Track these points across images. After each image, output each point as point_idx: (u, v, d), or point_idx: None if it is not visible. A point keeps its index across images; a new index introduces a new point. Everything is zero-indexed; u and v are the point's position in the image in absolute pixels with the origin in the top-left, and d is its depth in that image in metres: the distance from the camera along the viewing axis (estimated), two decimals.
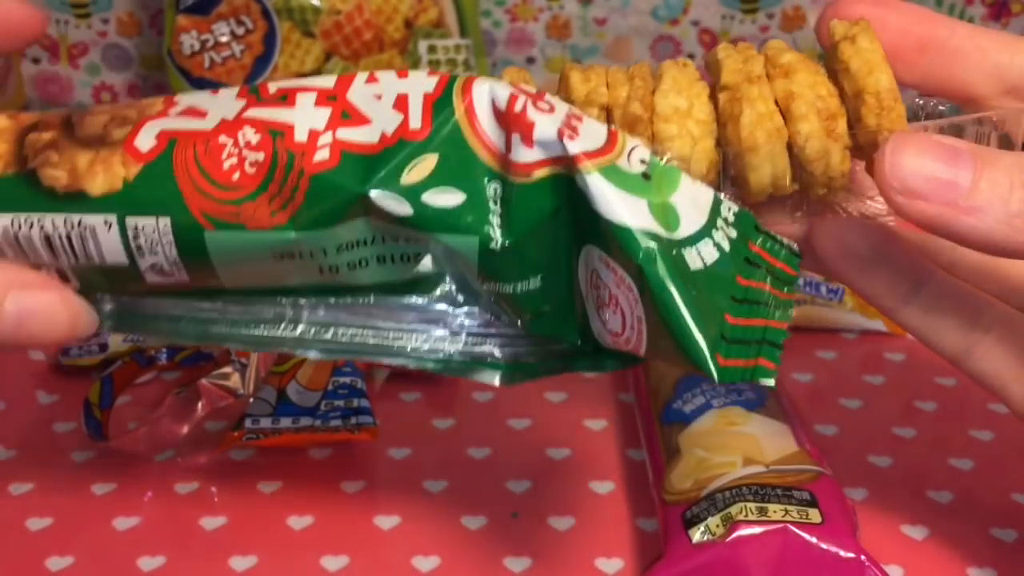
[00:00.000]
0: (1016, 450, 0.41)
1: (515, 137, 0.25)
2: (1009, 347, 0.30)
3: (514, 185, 0.25)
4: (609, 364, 0.28)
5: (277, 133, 0.25)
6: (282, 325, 0.28)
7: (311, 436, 0.41)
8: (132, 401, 0.45)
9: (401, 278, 0.28)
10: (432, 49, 0.66)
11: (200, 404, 0.41)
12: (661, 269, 0.24)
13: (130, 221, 0.25)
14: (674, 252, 0.24)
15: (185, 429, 0.42)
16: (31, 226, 0.25)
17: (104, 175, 0.25)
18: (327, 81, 0.26)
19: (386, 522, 0.38)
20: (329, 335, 0.28)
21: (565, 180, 0.25)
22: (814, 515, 0.33)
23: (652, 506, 0.37)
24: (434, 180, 0.25)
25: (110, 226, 0.25)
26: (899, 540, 0.37)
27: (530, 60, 0.77)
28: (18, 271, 0.26)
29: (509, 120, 0.25)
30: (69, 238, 0.26)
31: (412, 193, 0.25)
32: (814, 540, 0.32)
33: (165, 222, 0.25)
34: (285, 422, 0.41)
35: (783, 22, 0.76)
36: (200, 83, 0.64)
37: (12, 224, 0.25)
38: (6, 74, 0.58)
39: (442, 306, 0.28)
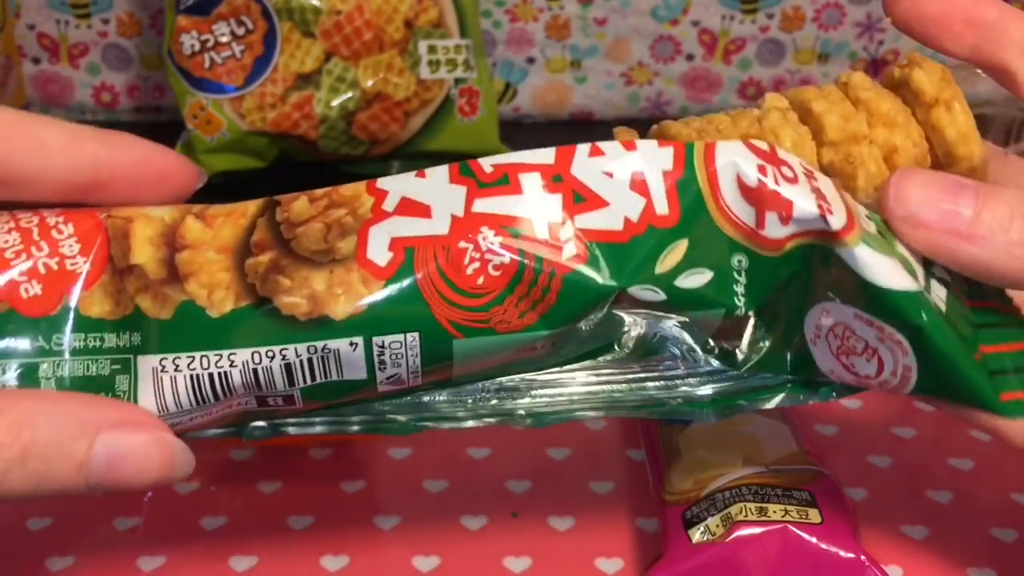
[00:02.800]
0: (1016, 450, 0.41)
1: (771, 215, 0.25)
2: None
3: (762, 258, 0.25)
4: (825, 391, 0.28)
5: (517, 232, 0.24)
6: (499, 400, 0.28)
7: (311, 436, 0.41)
8: None
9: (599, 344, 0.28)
10: (432, 49, 0.66)
11: None
12: (939, 326, 0.25)
13: (376, 340, 0.24)
14: (932, 302, 0.25)
15: None
16: (272, 358, 0.24)
17: (346, 297, 0.24)
18: (546, 156, 0.25)
19: (386, 522, 0.38)
20: (546, 403, 0.28)
21: (812, 248, 0.25)
22: (814, 515, 0.33)
23: (652, 506, 0.37)
24: (685, 264, 0.25)
25: (355, 347, 0.24)
26: (899, 540, 0.37)
27: (530, 60, 0.77)
28: (110, 405, 0.24)
29: (763, 198, 0.25)
30: (310, 362, 0.24)
31: (666, 280, 0.25)
32: (814, 540, 0.32)
33: (413, 337, 0.24)
34: None
35: (783, 22, 0.76)
36: (200, 83, 0.64)
37: (252, 358, 0.24)
38: (6, 74, 0.58)
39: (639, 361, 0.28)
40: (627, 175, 0.25)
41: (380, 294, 0.24)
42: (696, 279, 0.25)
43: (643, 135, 0.28)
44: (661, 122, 0.28)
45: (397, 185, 0.25)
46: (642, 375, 0.28)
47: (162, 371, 0.24)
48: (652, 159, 0.25)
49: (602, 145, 0.25)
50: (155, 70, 0.75)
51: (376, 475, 0.41)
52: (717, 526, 0.33)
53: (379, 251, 0.24)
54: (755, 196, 0.25)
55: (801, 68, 0.78)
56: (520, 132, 0.76)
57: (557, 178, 0.25)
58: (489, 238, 0.24)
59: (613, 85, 0.78)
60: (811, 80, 0.79)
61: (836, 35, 0.77)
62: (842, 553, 0.32)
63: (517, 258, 0.24)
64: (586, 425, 0.43)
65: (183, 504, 0.39)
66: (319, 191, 0.25)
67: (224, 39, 0.64)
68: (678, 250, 0.25)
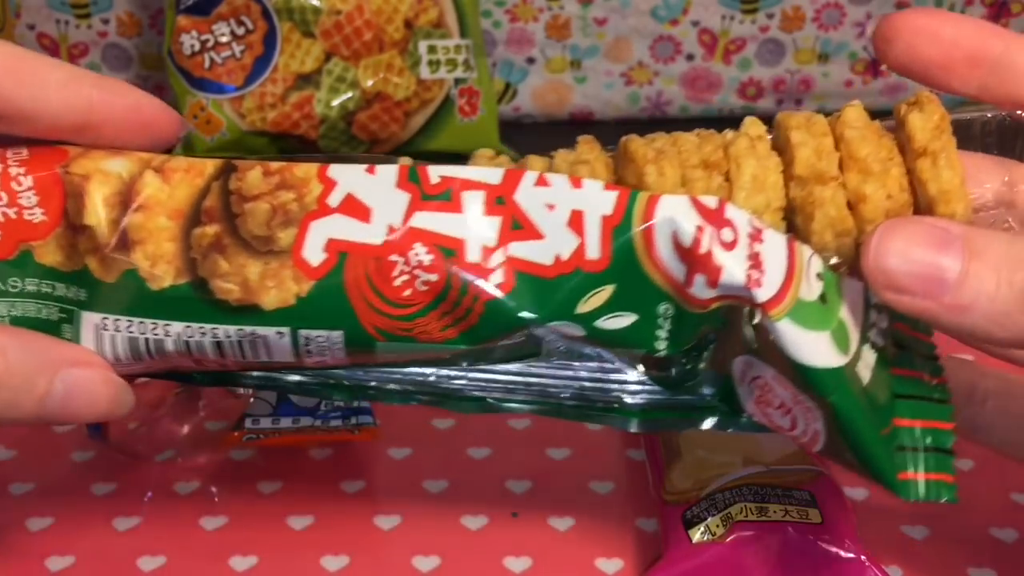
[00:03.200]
0: None
1: (699, 277, 0.24)
2: (1010, 418, 0.30)
3: (687, 312, 0.25)
4: (749, 423, 0.28)
5: (449, 252, 0.25)
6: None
7: (311, 436, 0.41)
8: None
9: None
10: (432, 49, 0.66)
11: (200, 404, 0.41)
12: (849, 404, 0.24)
13: (303, 333, 0.25)
14: (852, 375, 0.25)
15: (185, 429, 0.42)
16: (204, 334, 0.26)
17: (277, 291, 0.25)
18: (494, 175, 0.25)
19: (386, 522, 0.38)
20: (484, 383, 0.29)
21: (739, 307, 0.25)
22: (814, 515, 0.33)
23: (652, 506, 0.37)
24: (609, 308, 0.25)
25: (282, 336, 0.26)
26: (899, 540, 0.37)
27: (530, 60, 0.77)
28: (67, 346, 0.26)
29: (694, 259, 0.24)
30: (240, 343, 0.26)
31: (586, 320, 0.25)
32: (814, 540, 0.32)
33: (338, 335, 0.25)
34: (285, 422, 0.41)
35: (783, 22, 0.76)
36: (200, 83, 0.64)
37: (184, 331, 0.26)
38: None
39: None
40: (567, 212, 0.24)
41: (309, 293, 0.25)
42: (618, 321, 0.25)
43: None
44: (627, 136, 0.27)
45: (346, 177, 0.25)
46: (577, 372, 0.28)
47: (103, 328, 0.26)
48: (595, 201, 0.24)
49: (549, 176, 0.25)
50: (155, 70, 0.75)
51: (376, 475, 0.41)
52: (717, 526, 0.33)
53: (314, 251, 0.25)
54: (687, 256, 0.24)
55: (801, 68, 0.78)
56: (520, 132, 0.76)
57: (500, 200, 0.25)
58: (420, 255, 0.25)
59: (613, 85, 0.78)
60: (811, 80, 0.79)
61: (836, 35, 0.77)
62: (842, 553, 0.32)
63: (444, 279, 0.25)
64: (586, 425, 0.43)
65: (183, 504, 0.39)
66: (275, 164, 0.26)
67: (224, 39, 0.64)
68: (603, 294, 0.25)
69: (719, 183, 0.26)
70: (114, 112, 0.26)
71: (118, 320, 0.26)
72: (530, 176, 0.25)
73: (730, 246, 0.24)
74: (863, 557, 0.32)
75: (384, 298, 0.25)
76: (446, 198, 0.25)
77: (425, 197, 0.25)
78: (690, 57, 0.77)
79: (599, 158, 0.26)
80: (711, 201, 0.24)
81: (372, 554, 0.37)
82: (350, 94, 0.64)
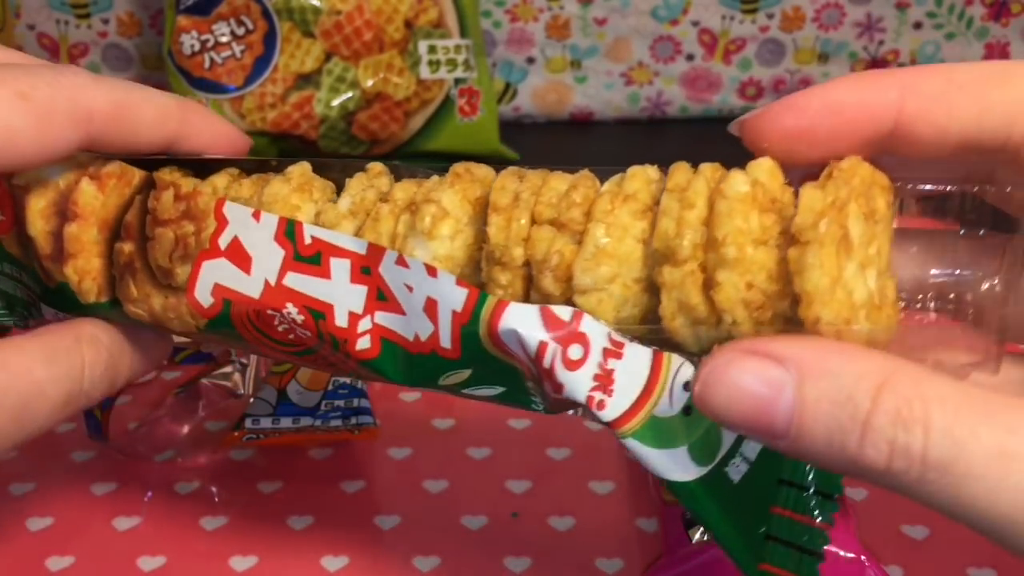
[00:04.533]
0: None
1: (547, 383, 0.23)
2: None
3: (548, 393, 0.24)
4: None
5: (318, 315, 0.25)
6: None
7: (311, 436, 0.41)
8: (132, 401, 0.45)
9: None
10: (432, 49, 0.66)
11: (200, 404, 0.41)
12: (705, 507, 0.24)
13: (205, 345, 0.26)
14: (717, 478, 0.24)
15: (185, 429, 0.42)
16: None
17: (178, 322, 0.27)
18: (359, 245, 0.25)
19: (386, 522, 0.38)
20: None
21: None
22: None
23: (652, 506, 0.37)
24: (471, 384, 0.25)
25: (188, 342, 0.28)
26: (899, 540, 0.37)
27: (530, 60, 0.77)
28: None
29: (541, 369, 0.23)
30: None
31: (453, 389, 0.26)
32: None
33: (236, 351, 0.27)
34: (285, 422, 0.41)
35: (783, 22, 0.76)
36: (200, 83, 0.64)
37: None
38: None
39: None
40: (423, 298, 0.24)
41: (206, 327, 0.27)
42: (488, 391, 0.25)
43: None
44: (505, 171, 0.26)
45: (237, 218, 0.26)
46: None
47: (55, 316, 0.29)
48: (447, 294, 0.24)
49: (409, 260, 0.24)
50: (155, 70, 0.75)
51: (376, 475, 0.41)
52: None
53: (204, 293, 0.26)
54: (535, 363, 0.23)
55: (801, 68, 0.78)
56: (520, 132, 0.76)
57: (366, 270, 0.25)
58: (293, 314, 0.25)
59: (613, 85, 0.78)
60: (811, 80, 0.79)
61: (836, 35, 0.77)
62: (842, 553, 0.32)
63: (317, 336, 0.25)
64: (586, 425, 0.43)
65: (183, 504, 0.39)
66: (186, 187, 0.27)
67: (224, 39, 0.64)
68: (462, 375, 0.25)
69: (561, 246, 0.24)
70: (195, 143, 0.29)
71: (59, 314, 0.29)
72: (391, 255, 0.24)
73: (576, 364, 0.23)
74: (863, 557, 0.32)
75: (271, 339, 0.26)
76: (316, 262, 0.25)
77: (297, 257, 0.25)
78: (690, 57, 0.77)
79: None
80: (564, 313, 0.23)
81: (372, 554, 0.37)
82: (350, 94, 0.64)
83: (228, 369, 0.42)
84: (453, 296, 0.24)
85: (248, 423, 0.41)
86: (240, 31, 0.64)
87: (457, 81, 0.67)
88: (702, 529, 0.33)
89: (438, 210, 0.25)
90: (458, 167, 0.26)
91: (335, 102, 0.64)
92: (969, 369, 0.24)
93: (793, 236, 0.21)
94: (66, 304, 0.28)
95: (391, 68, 0.65)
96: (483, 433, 0.43)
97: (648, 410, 0.23)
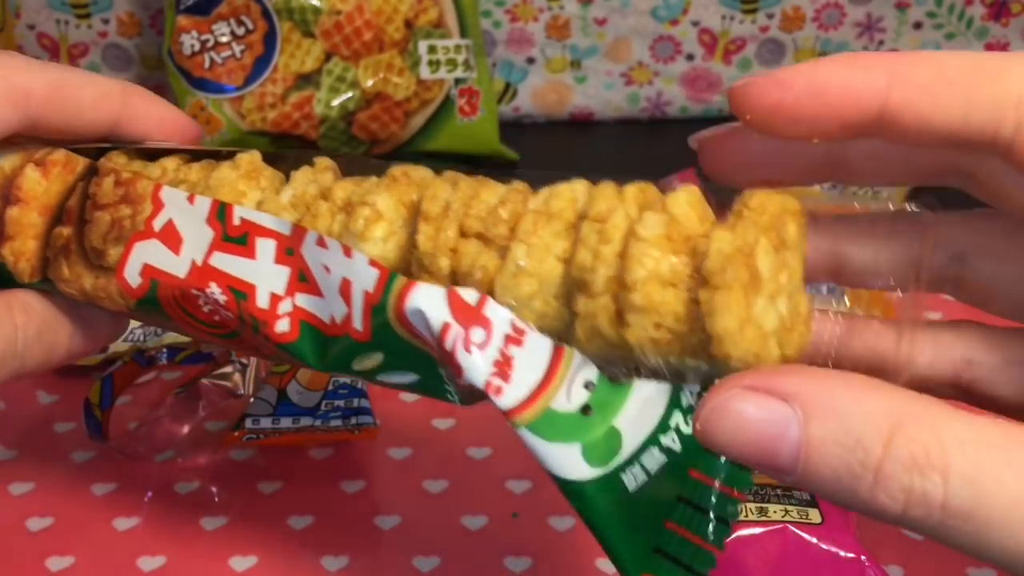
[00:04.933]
0: None
1: (451, 368, 0.23)
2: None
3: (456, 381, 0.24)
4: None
5: (241, 296, 0.25)
6: None
7: (311, 436, 0.41)
8: (132, 401, 0.45)
9: None
10: (432, 49, 0.66)
11: (200, 404, 0.41)
12: (593, 509, 0.23)
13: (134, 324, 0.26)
14: (610, 483, 0.24)
15: (185, 429, 0.42)
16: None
17: (109, 302, 0.27)
18: (283, 226, 0.25)
19: (386, 522, 0.38)
20: None
21: None
22: (814, 515, 0.33)
23: None
24: (384, 369, 0.25)
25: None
26: (899, 540, 0.37)
27: (530, 60, 0.77)
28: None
29: (442, 351, 0.23)
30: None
31: (367, 375, 0.25)
32: (814, 540, 0.32)
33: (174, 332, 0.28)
34: (285, 422, 0.41)
35: (783, 22, 0.76)
36: (200, 83, 0.64)
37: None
38: None
39: None
40: (339, 279, 0.24)
41: (136, 307, 0.27)
42: (402, 378, 0.25)
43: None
44: (444, 173, 0.26)
45: (172, 201, 0.26)
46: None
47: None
48: (361, 274, 0.24)
49: (328, 240, 0.24)
50: (155, 70, 0.75)
51: (376, 475, 0.41)
52: None
53: (133, 274, 0.27)
54: (439, 344, 0.23)
55: None
56: (520, 132, 0.76)
57: (290, 251, 0.25)
58: (216, 294, 0.26)
59: (613, 85, 0.78)
60: None
61: (836, 35, 0.77)
62: (842, 553, 0.32)
63: (238, 318, 0.26)
64: None
65: (183, 504, 0.39)
66: (127, 173, 0.27)
67: (224, 39, 0.64)
68: (374, 359, 0.25)
69: (486, 261, 0.24)
70: (138, 126, 0.29)
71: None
72: (312, 235, 0.25)
73: (478, 347, 0.23)
74: (863, 557, 0.32)
75: (198, 320, 0.27)
76: (242, 242, 0.26)
77: (225, 238, 0.26)
78: (690, 57, 0.77)
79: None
80: (471, 296, 0.23)
81: (372, 554, 0.37)
82: (350, 94, 0.64)
83: (228, 369, 0.42)
84: (366, 276, 0.24)
85: (248, 423, 0.41)
86: (240, 31, 0.64)
87: (457, 81, 0.67)
88: None
89: (372, 213, 0.25)
90: (395, 170, 0.26)
91: (335, 102, 0.64)
92: (884, 353, 0.24)
93: (704, 279, 0.21)
94: (3, 282, 0.29)
95: (391, 68, 0.65)
96: (483, 433, 0.43)
97: (544, 402, 0.23)
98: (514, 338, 0.23)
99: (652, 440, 0.24)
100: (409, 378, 0.25)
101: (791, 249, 0.23)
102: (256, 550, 0.37)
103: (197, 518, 0.38)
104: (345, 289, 0.24)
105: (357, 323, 0.24)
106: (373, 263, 0.24)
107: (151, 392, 0.45)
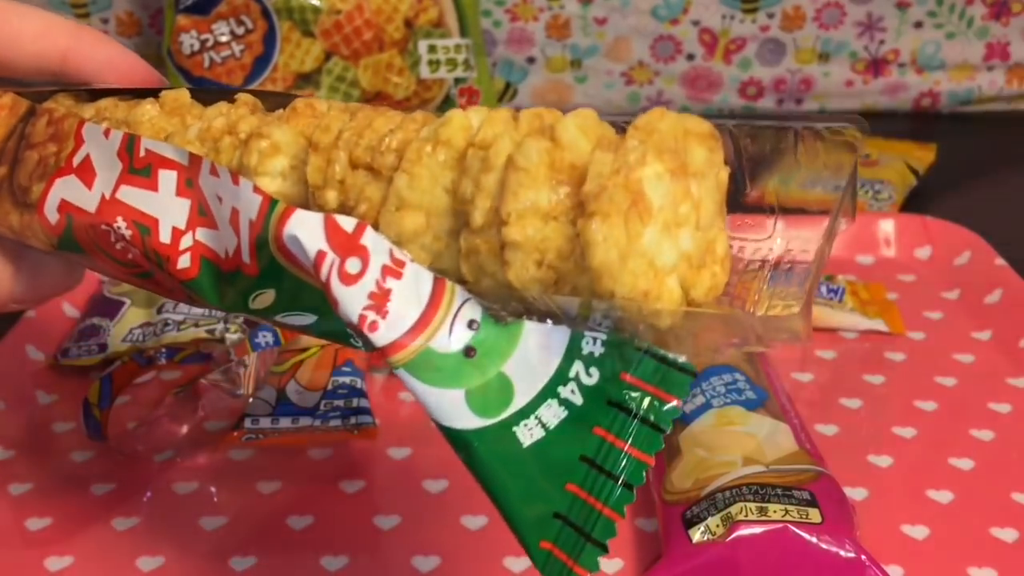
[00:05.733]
0: (1016, 450, 0.41)
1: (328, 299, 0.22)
2: None
3: None
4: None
5: (144, 230, 0.24)
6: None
7: (311, 436, 0.41)
8: (132, 401, 0.45)
9: None
10: (432, 49, 0.66)
11: (199, 404, 0.41)
12: (481, 463, 0.22)
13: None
14: (500, 435, 0.22)
15: (185, 429, 0.42)
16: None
17: (35, 239, 0.27)
18: (182, 156, 0.24)
19: (386, 522, 0.38)
20: None
21: None
22: (814, 515, 0.33)
23: (652, 506, 0.37)
24: (278, 309, 0.24)
25: (56, 256, 0.28)
26: (899, 540, 0.37)
27: (530, 60, 0.77)
28: None
29: (319, 282, 0.21)
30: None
31: (264, 314, 0.24)
32: (814, 540, 0.32)
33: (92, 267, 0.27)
34: (285, 422, 0.41)
35: (783, 21, 0.76)
36: (200, 83, 0.64)
37: None
38: None
39: None
40: (229, 209, 0.23)
41: (58, 243, 0.26)
42: (299, 319, 0.24)
43: None
44: (346, 104, 0.24)
45: (91, 138, 0.26)
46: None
47: None
48: (246, 202, 0.22)
49: (219, 169, 0.23)
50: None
51: (376, 475, 0.41)
52: (717, 526, 0.33)
53: (51, 210, 0.26)
54: (315, 274, 0.21)
55: (802, 68, 0.78)
56: None
57: (189, 183, 0.24)
58: (123, 229, 0.25)
59: (613, 85, 0.78)
60: (812, 80, 0.79)
61: (836, 34, 0.77)
62: (842, 553, 0.32)
63: (143, 254, 0.25)
64: None
65: (183, 504, 0.39)
66: (59, 112, 0.27)
67: (224, 39, 0.64)
68: (266, 297, 0.23)
69: (371, 193, 0.22)
70: (87, 65, 0.28)
71: None
72: (206, 163, 0.23)
73: (352, 279, 0.21)
74: (863, 557, 0.32)
75: (113, 258, 0.25)
76: (146, 174, 0.24)
77: (132, 170, 0.25)
78: (690, 57, 0.77)
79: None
80: (348, 224, 0.21)
81: (372, 554, 0.37)
82: (350, 94, 0.64)
83: (228, 369, 0.42)
84: (251, 203, 0.22)
85: (247, 423, 0.41)
86: (240, 31, 0.63)
87: (457, 81, 0.67)
88: (702, 529, 0.33)
89: (268, 146, 0.24)
90: (299, 102, 0.25)
91: None
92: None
93: (581, 203, 0.19)
94: None
95: (391, 68, 0.65)
96: None
97: (423, 341, 0.21)
98: (392, 269, 0.21)
99: (549, 391, 0.23)
100: (307, 319, 0.24)
101: (697, 177, 0.21)
102: (255, 550, 0.37)
103: (196, 518, 0.38)
104: (234, 219, 0.23)
105: (246, 255, 0.23)
106: (256, 190, 0.22)
107: (150, 392, 0.45)
